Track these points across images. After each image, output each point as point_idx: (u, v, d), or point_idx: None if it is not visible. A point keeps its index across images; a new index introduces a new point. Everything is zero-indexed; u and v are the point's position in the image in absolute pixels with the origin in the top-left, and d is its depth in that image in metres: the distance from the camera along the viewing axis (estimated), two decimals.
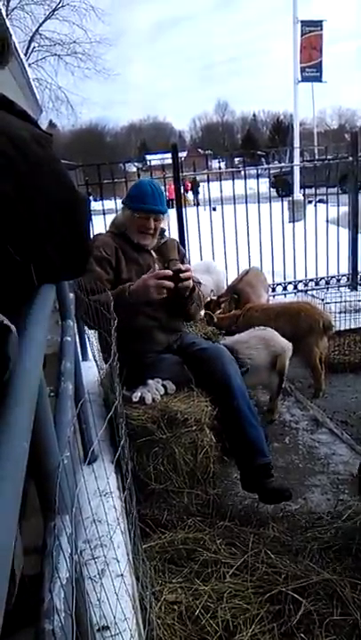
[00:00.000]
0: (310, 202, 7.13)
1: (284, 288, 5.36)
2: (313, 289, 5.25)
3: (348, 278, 5.46)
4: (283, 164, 10.98)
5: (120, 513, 1.65)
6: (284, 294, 5.29)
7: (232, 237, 4.95)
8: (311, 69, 11.33)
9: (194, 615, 1.65)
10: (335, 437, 2.97)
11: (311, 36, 11.12)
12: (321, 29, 11.25)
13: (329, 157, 6.15)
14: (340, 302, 4.13)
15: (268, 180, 6.78)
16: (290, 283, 5.39)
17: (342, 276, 5.47)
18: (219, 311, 3.84)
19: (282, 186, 9.80)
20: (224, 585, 1.77)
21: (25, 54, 18.14)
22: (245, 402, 2.31)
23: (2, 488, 0.46)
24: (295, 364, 3.41)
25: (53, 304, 1.26)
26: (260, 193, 5.29)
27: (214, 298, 4.03)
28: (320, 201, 6.01)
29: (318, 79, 11.61)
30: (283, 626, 1.60)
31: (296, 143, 11.04)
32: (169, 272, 2.34)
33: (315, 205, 5.54)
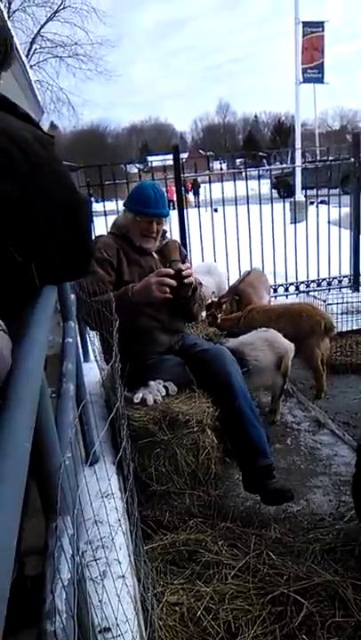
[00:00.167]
0: (312, 203, 7.14)
1: (286, 289, 5.36)
2: (315, 290, 5.25)
3: (349, 279, 5.46)
4: (284, 165, 11.00)
5: (122, 514, 1.65)
6: (286, 295, 5.29)
7: (234, 239, 4.95)
8: (313, 70, 11.32)
9: (195, 616, 1.65)
10: (337, 438, 2.97)
11: (313, 37, 11.11)
12: (323, 30, 11.24)
13: (331, 158, 6.16)
14: (342, 303, 4.12)
15: (269, 181, 6.78)
16: (291, 284, 5.39)
17: (344, 277, 5.47)
18: (220, 312, 3.84)
19: (283, 187, 9.81)
20: (226, 586, 1.77)
21: (26, 56, 18.18)
22: (247, 403, 2.31)
23: (4, 488, 0.46)
24: (297, 365, 3.41)
25: (55, 305, 1.26)
26: (262, 194, 5.29)
27: (215, 300, 4.03)
28: (322, 202, 6.02)
29: (320, 80, 11.61)
30: (285, 627, 1.59)
31: (298, 144, 11.03)
32: (170, 271, 2.34)
33: (316, 206, 5.55)
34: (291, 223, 6.03)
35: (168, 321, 2.52)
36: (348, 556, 1.91)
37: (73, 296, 2.28)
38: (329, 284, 5.42)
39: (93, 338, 2.74)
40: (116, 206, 4.81)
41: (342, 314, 4.10)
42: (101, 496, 1.60)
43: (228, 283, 4.57)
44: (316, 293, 4.87)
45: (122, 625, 1.20)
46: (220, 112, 65.36)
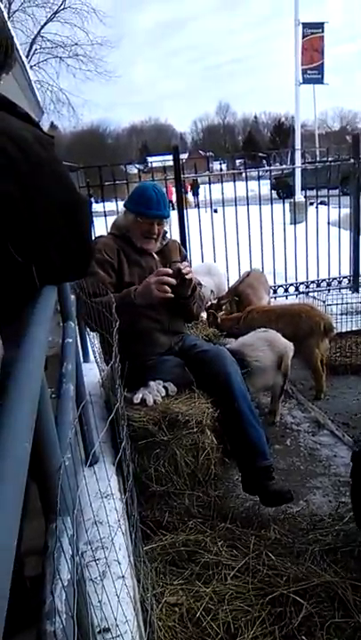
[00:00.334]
0: (312, 204, 7.14)
1: (286, 290, 5.37)
2: (314, 291, 5.26)
3: (349, 280, 5.46)
4: (284, 166, 11.01)
5: (121, 515, 1.65)
6: (286, 296, 5.30)
7: (233, 239, 4.96)
8: (313, 71, 11.34)
9: (195, 617, 1.65)
10: (337, 439, 2.97)
11: (313, 37, 11.12)
12: (322, 31, 11.26)
13: (330, 159, 6.16)
14: (342, 304, 4.12)
15: (269, 181, 6.79)
16: (291, 284, 5.39)
17: (343, 277, 5.48)
18: (221, 313, 3.85)
19: (283, 188, 9.81)
20: (225, 587, 1.77)
21: (26, 56, 18.19)
22: (247, 404, 2.31)
23: (4, 489, 0.46)
24: (296, 366, 3.41)
25: (55, 306, 1.26)
26: (262, 195, 5.30)
27: (214, 302, 4.03)
28: (321, 203, 6.02)
29: (320, 81, 11.63)
30: (284, 628, 1.59)
31: (297, 145, 11.04)
32: (169, 270, 2.35)
33: (316, 207, 5.55)
34: (290, 224, 6.04)
35: (168, 322, 2.52)
36: (347, 556, 1.92)
37: (73, 296, 2.28)
38: (329, 284, 5.43)
39: (93, 338, 2.74)
40: (115, 207, 4.81)
41: (342, 314, 4.10)
42: (101, 496, 1.60)
43: (227, 283, 4.57)
44: (315, 294, 4.88)
45: (121, 625, 1.20)
46: (220, 113, 65.43)
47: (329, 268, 5.42)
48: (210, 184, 5.81)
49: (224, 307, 3.93)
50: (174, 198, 5.06)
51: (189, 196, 11.54)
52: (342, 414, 3.19)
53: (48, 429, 0.86)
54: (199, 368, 2.40)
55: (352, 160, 5.18)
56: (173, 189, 4.94)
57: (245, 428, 2.27)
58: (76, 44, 22.53)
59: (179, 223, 4.80)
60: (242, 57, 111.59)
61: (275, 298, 5.11)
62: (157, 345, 2.50)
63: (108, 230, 2.73)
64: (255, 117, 63.89)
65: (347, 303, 4.21)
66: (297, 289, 5.33)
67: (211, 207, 5.41)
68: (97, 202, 5.86)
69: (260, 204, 5.14)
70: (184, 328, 2.76)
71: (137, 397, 2.28)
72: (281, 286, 5.37)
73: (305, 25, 11.05)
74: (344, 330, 4.05)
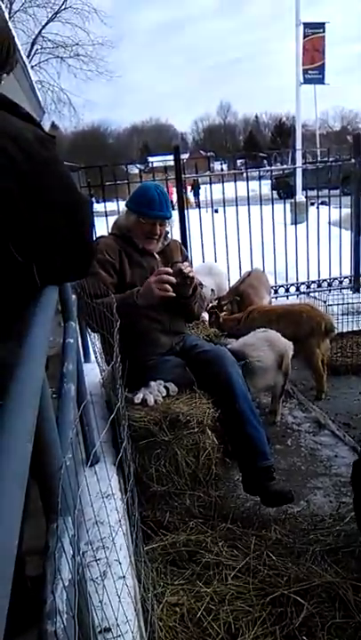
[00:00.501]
0: (312, 204, 7.14)
1: (287, 290, 5.37)
2: (315, 291, 5.25)
3: (350, 280, 5.46)
4: (285, 166, 11.01)
5: (122, 515, 1.65)
6: (287, 296, 5.30)
7: (234, 239, 4.95)
8: (314, 71, 11.32)
9: (196, 617, 1.65)
10: (337, 439, 2.97)
11: (314, 38, 11.11)
12: (323, 32, 11.24)
13: (331, 159, 6.15)
14: (343, 304, 4.12)
15: (270, 181, 6.79)
16: (292, 284, 5.39)
17: (344, 277, 5.47)
18: (223, 313, 3.85)
19: (284, 188, 9.81)
20: (226, 587, 1.76)
21: (27, 57, 18.21)
22: (247, 404, 2.31)
23: (5, 488, 0.46)
24: (297, 366, 3.41)
25: (56, 306, 1.26)
26: (263, 195, 5.29)
27: (215, 302, 4.03)
28: (322, 203, 6.02)
29: (321, 81, 11.61)
30: (285, 628, 1.59)
31: (298, 145, 11.03)
32: (169, 270, 2.35)
33: (317, 207, 5.55)
34: (291, 224, 6.04)
35: (169, 322, 2.52)
36: (348, 557, 1.91)
37: (74, 297, 2.28)
38: (329, 284, 5.42)
39: (94, 338, 2.74)
40: (117, 207, 4.81)
41: (343, 315, 4.09)
42: (102, 497, 1.60)
43: (228, 283, 4.57)
44: (316, 294, 4.87)
45: (122, 625, 1.20)
46: (221, 113, 65.49)
47: (330, 268, 5.42)
48: (211, 184, 5.81)
49: (225, 307, 3.93)
50: (175, 198, 5.06)
51: (189, 195, 11.55)
52: (343, 414, 3.19)
53: (49, 429, 0.86)
54: (200, 368, 2.40)
55: (353, 160, 5.18)
56: (174, 189, 4.94)
57: (246, 429, 2.27)
58: (77, 43, 22.54)
59: (180, 223, 4.80)
60: (243, 57, 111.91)
61: (276, 298, 5.11)
62: (158, 345, 2.50)
63: (110, 230, 2.73)
64: (256, 117, 63.99)
65: (348, 303, 4.20)
66: (298, 289, 5.32)
67: (212, 207, 5.41)
68: (98, 202, 5.87)
69: (260, 204, 5.14)
70: (185, 328, 2.76)
71: (138, 397, 2.29)
72: (282, 286, 5.37)
73: (306, 25, 11.04)
74: (345, 330, 4.04)
